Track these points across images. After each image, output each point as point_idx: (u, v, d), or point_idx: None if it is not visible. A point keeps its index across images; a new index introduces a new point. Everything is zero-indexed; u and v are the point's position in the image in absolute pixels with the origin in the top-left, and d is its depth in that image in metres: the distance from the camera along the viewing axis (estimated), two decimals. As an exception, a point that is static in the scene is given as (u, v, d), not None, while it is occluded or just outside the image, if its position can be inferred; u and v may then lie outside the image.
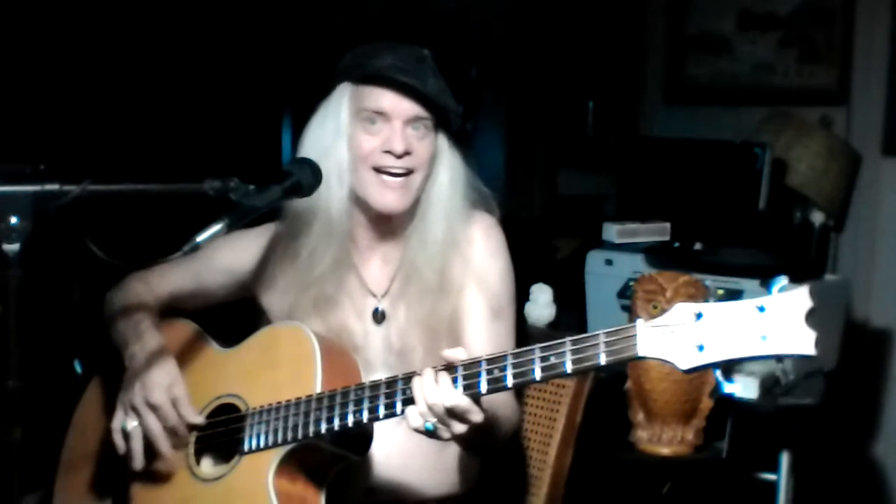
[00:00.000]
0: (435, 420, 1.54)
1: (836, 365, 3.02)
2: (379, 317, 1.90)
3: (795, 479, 2.88)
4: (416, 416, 1.55)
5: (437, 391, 1.53)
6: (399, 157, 1.80)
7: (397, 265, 1.90)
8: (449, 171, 1.87)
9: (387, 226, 1.89)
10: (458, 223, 1.87)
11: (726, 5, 4.04)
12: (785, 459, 2.84)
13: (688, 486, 2.96)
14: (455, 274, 1.87)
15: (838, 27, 3.80)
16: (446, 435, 1.55)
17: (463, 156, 1.90)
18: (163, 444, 1.79)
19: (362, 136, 1.82)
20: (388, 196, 1.82)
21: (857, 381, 3.55)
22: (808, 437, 2.97)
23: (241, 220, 1.63)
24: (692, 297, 2.64)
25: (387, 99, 1.80)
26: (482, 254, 1.89)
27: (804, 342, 1.33)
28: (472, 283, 1.87)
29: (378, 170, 1.82)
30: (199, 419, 1.80)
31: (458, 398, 1.52)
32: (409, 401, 1.57)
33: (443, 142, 1.87)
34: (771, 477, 2.89)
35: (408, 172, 1.82)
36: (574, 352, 1.46)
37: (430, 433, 1.55)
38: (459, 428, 1.54)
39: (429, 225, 1.86)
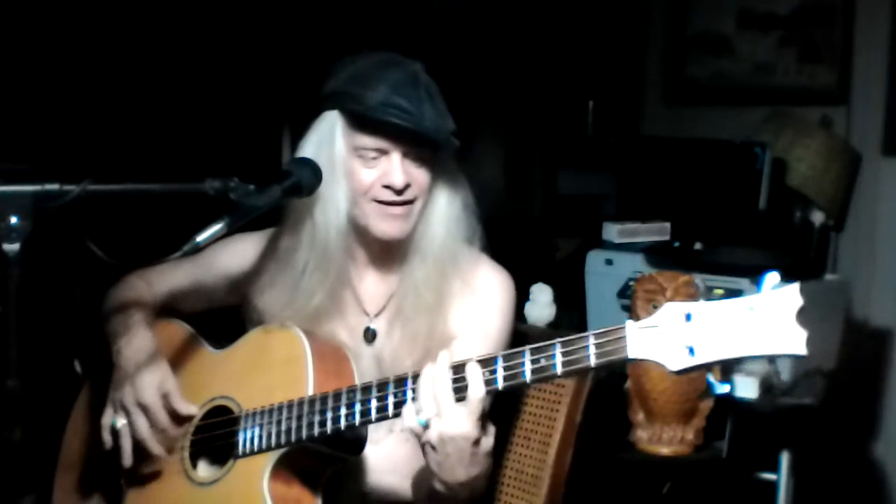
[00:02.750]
0: (433, 413, 1.53)
1: (836, 365, 3.02)
2: (370, 336, 1.89)
3: (795, 479, 2.88)
4: (410, 412, 1.55)
5: (446, 375, 1.53)
6: (399, 191, 1.78)
7: (397, 284, 1.88)
8: (447, 190, 1.85)
9: (385, 247, 1.87)
10: (460, 245, 1.86)
11: (726, 5, 4.04)
12: (785, 459, 2.84)
13: (688, 486, 2.96)
14: (452, 294, 1.85)
15: (838, 27, 3.80)
16: (434, 434, 1.53)
17: (459, 170, 1.88)
18: (152, 444, 1.79)
19: (360, 171, 1.79)
20: (389, 225, 1.80)
21: (857, 381, 3.55)
22: (808, 437, 2.97)
23: (242, 219, 1.63)
24: (692, 297, 2.64)
25: (383, 138, 1.77)
26: (495, 312, 1.88)
27: (795, 341, 1.32)
28: (479, 335, 1.85)
29: (378, 201, 1.80)
30: (192, 409, 1.80)
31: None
32: (400, 403, 1.58)
33: (441, 163, 1.85)
34: (771, 477, 2.89)
35: (408, 202, 1.80)
36: (564, 353, 1.46)
37: (423, 429, 1.54)
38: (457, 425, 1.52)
39: (428, 243, 1.84)
